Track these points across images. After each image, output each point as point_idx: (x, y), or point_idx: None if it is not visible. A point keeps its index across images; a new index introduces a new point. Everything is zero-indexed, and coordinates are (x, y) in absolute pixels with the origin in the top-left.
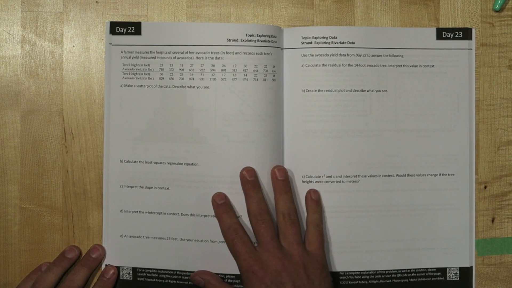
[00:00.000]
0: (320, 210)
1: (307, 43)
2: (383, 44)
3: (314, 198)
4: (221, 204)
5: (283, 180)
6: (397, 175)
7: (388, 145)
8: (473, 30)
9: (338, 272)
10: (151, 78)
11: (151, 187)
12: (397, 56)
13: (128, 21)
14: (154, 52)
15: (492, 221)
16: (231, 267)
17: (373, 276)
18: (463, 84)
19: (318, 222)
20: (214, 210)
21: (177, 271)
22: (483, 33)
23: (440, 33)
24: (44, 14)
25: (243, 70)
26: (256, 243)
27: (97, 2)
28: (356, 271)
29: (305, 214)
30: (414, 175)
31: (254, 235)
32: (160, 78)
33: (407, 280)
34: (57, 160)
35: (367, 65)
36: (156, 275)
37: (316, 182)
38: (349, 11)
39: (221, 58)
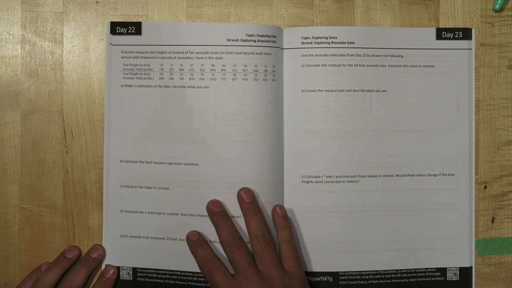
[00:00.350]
0: (289, 225)
1: (307, 43)
2: (383, 44)
3: (280, 215)
4: (196, 240)
5: (250, 202)
6: (397, 175)
7: (388, 145)
8: (473, 30)
9: (338, 272)
10: (151, 78)
11: (151, 187)
12: (397, 56)
13: (128, 21)
14: (154, 52)
15: (492, 221)
16: (230, 267)
17: (373, 276)
18: (463, 84)
19: (290, 239)
20: (189, 246)
21: (177, 271)
22: (483, 33)
23: (440, 33)
24: (44, 14)
25: (243, 70)
26: (234, 272)
27: (97, 2)
28: (356, 271)
29: (305, 218)
30: (414, 175)
31: (230, 264)
32: (160, 78)
33: (407, 280)
34: (57, 160)
35: (367, 65)
36: (156, 275)
37: (316, 182)
38: (349, 11)
39: (221, 58)
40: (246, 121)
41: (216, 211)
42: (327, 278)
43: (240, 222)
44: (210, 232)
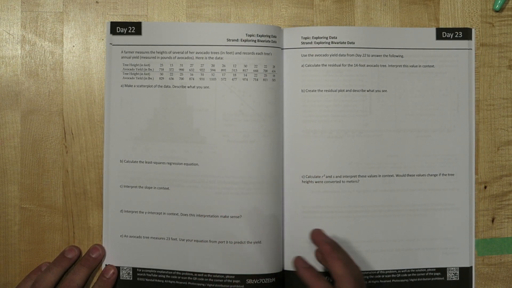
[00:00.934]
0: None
1: (307, 43)
2: (383, 44)
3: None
4: (307, 268)
5: (329, 243)
6: (397, 175)
7: (388, 145)
8: (473, 30)
9: None
10: (151, 78)
11: (151, 187)
12: (397, 56)
13: (128, 21)
14: (154, 52)
15: (492, 221)
16: (230, 267)
17: (373, 276)
18: (463, 84)
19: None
20: (301, 276)
21: (176, 271)
22: (483, 33)
23: (440, 33)
24: (44, 14)
25: (243, 70)
26: None
27: (97, 2)
28: None
29: (305, 218)
30: (414, 175)
31: None
32: (160, 78)
33: (407, 280)
34: (57, 160)
35: (367, 65)
36: (156, 275)
37: (316, 182)
38: (349, 11)
39: (221, 58)
40: (246, 121)
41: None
42: (327, 278)
43: (246, 219)
44: (210, 232)
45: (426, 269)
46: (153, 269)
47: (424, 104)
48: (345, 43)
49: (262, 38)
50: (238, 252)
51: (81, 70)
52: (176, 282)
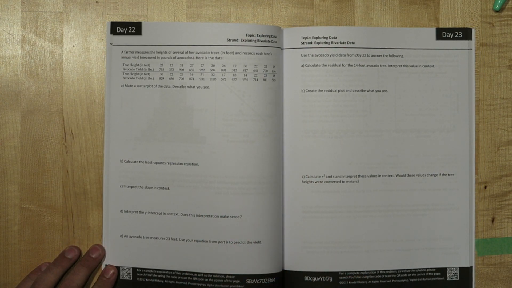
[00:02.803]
0: None
1: (307, 43)
2: (383, 44)
3: None
4: None
5: None
6: (397, 175)
7: (388, 145)
8: (473, 30)
9: (338, 272)
10: (151, 78)
11: (151, 187)
12: (397, 56)
13: (128, 21)
14: (154, 52)
15: (492, 221)
16: (230, 267)
17: (373, 276)
18: (463, 84)
19: None
20: None
21: (176, 271)
22: (483, 33)
23: (440, 33)
24: (44, 14)
25: (243, 70)
26: None
27: (97, 2)
28: (356, 271)
29: (305, 218)
30: (414, 175)
31: None
32: (160, 78)
33: (407, 280)
34: (57, 160)
35: (367, 65)
36: (156, 275)
37: (316, 182)
38: (349, 11)
39: (221, 58)
40: (246, 121)
41: None
42: (327, 278)
43: (245, 219)
44: (210, 232)
45: (426, 269)
46: (153, 269)
47: (424, 104)
48: (345, 43)
49: (262, 38)
50: (238, 252)
51: (81, 70)
52: (176, 282)
